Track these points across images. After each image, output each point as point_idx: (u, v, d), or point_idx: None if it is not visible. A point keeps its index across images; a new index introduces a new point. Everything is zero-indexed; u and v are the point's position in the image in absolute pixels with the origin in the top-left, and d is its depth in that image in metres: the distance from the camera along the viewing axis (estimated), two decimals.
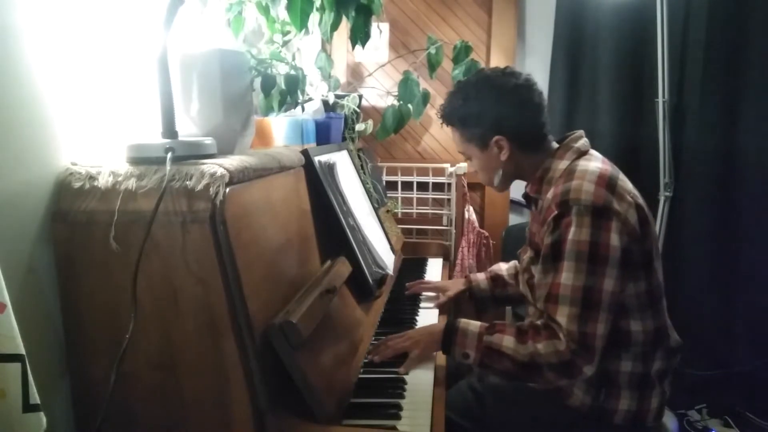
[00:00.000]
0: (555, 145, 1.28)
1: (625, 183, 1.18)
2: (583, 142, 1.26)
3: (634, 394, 1.16)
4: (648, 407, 1.17)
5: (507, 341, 1.12)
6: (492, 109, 1.24)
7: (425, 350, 1.19)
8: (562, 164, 1.22)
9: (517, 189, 2.77)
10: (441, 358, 1.21)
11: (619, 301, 1.12)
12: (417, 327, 1.41)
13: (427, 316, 1.50)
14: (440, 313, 1.52)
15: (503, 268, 1.62)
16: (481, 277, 1.62)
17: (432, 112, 2.62)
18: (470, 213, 2.57)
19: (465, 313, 2.53)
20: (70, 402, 0.92)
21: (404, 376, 1.13)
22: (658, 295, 1.19)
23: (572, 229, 1.09)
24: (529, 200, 1.33)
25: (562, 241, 1.10)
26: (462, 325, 1.18)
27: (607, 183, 1.13)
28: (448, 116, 1.32)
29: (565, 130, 1.33)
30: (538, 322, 1.14)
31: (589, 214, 1.09)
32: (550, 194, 1.18)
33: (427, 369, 1.17)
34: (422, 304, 1.59)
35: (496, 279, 1.60)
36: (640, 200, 1.18)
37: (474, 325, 1.18)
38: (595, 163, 1.19)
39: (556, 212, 1.12)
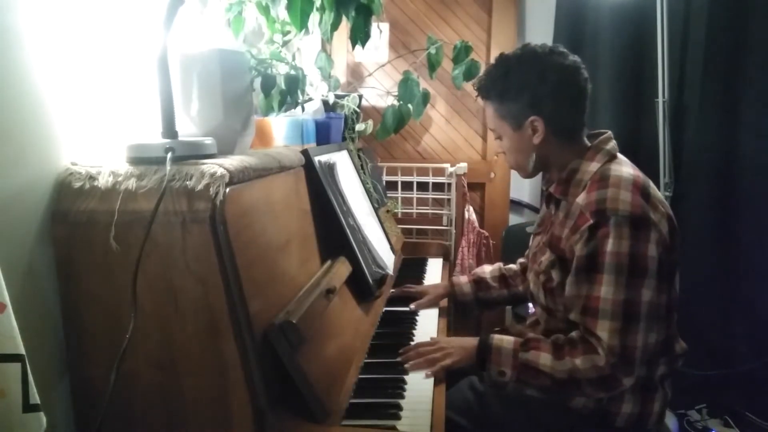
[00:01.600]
0: (587, 143, 1.24)
1: (656, 191, 1.16)
2: (613, 144, 1.23)
3: (637, 398, 1.16)
4: (650, 410, 1.17)
5: (544, 358, 1.12)
6: (533, 85, 1.18)
7: (458, 363, 1.17)
8: (592, 167, 1.18)
9: (518, 189, 2.78)
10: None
11: (655, 310, 1.10)
12: (421, 323, 1.42)
13: (427, 317, 1.50)
14: (440, 315, 1.51)
15: (486, 271, 1.61)
16: (463, 280, 1.61)
17: (432, 112, 2.65)
18: (470, 213, 2.57)
19: (466, 319, 2.53)
20: (70, 402, 0.92)
21: (404, 376, 1.13)
22: (673, 308, 1.18)
23: (610, 241, 1.06)
24: (549, 200, 1.30)
25: (600, 253, 1.08)
26: (495, 342, 1.17)
27: (642, 191, 1.10)
28: (485, 89, 1.25)
29: None
30: (574, 335, 1.13)
31: (628, 225, 1.06)
32: (581, 200, 1.14)
33: (426, 370, 1.17)
34: (421, 301, 1.58)
35: (479, 282, 1.59)
36: (669, 210, 1.16)
37: (507, 341, 1.17)
38: (627, 168, 1.16)
39: (591, 222, 1.09)
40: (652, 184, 1.16)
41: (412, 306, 1.52)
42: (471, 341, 1.20)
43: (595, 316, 1.08)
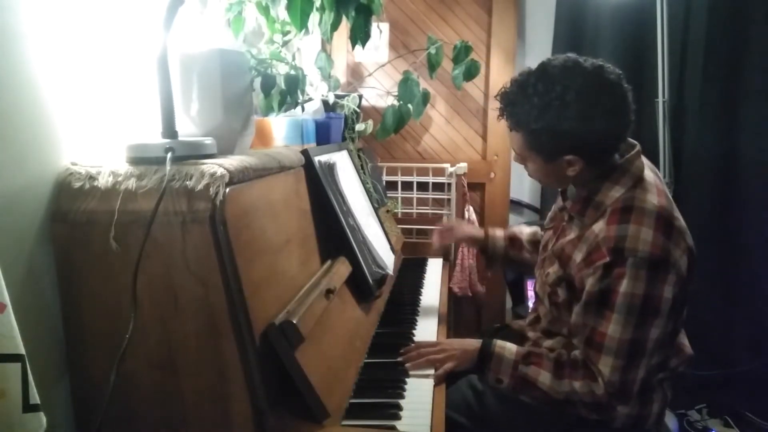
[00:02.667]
0: (616, 158, 1.16)
1: (680, 221, 1.10)
2: (640, 163, 1.15)
3: (636, 399, 1.16)
4: (649, 412, 1.17)
5: (543, 377, 1.12)
6: (575, 128, 1.06)
7: (459, 366, 1.18)
8: (615, 191, 1.11)
9: (518, 189, 2.77)
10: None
11: (659, 345, 1.08)
12: (421, 324, 1.42)
13: (427, 316, 1.50)
14: (439, 322, 1.49)
15: (524, 231, 1.56)
16: (498, 234, 1.57)
17: (432, 112, 2.65)
18: (470, 213, 2.57)
19: (466, 318, 2.53)
20: (70, 402, 0.92)
21: (404, 377, 1.13)
22: (681, 327, 1.17)
23: (625, 282, 1.03)
24: (563, 208, 1.27)
25: (613, 291, 1.05)
26: (497, 350, 1.17)
27: (665, 227, 1.05)
28: (516, 122, 1.12)
29: None
30: (577, 354, 1.13)
31: (646, 267, 1.02)
32: (599, 230, 1.08)
33: (426, 369, 1.17)
34: (421, 305, 1.58)
35: (513, 240, 1.55)
36: (690, 240, 1.10)
37: (509, 351, 1.17)
38: (651, 197, 1.09)
39: (608, 259, 1.04)
40: (676, 212, 1.10)
41: (435, 241, 1.55)
42: (473, 344, 1.20)
43: (600, 350, 1.07)
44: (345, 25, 1.30)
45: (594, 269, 1.07)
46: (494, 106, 1.20)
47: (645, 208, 1.06)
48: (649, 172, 1.17)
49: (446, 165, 2.59)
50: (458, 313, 2.52)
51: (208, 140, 0.98)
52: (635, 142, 1.20)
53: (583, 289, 1.11)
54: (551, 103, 1.06)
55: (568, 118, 1.05)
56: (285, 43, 1.51)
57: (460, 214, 2.60)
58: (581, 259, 1.12)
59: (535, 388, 1.12)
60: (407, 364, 1.17)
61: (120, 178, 0.87)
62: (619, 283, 1.04)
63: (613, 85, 1.09)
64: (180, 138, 0.95)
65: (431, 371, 1.16)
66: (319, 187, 1.35)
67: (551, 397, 1.12)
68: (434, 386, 1.11)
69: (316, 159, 1.37)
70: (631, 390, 1.07)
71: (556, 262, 1.21)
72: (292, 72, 1.33)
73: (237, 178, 0.89)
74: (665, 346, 1.12)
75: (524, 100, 1.09)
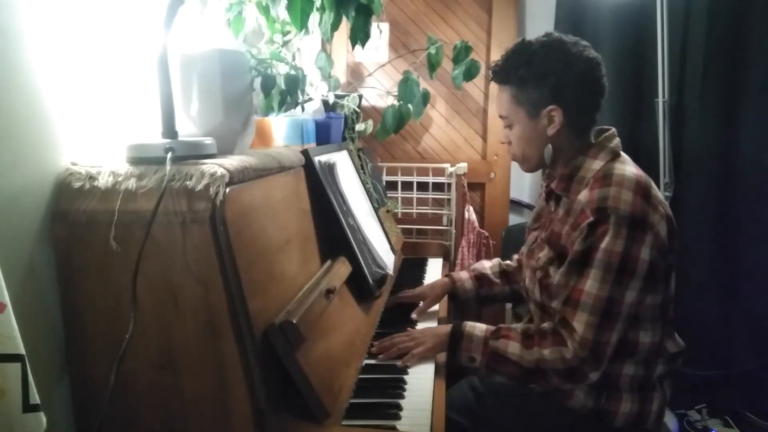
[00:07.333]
0: (592, 139, 1.23)
1: (657, 192, 1.16)
2: (617, 142, 1.22)
3: (635, 397, 1.16)
4: (649, 410, 1.17)
5: (513, 347, 1.13)
6: (558, 74, 1.16)
7: (430, 351, 1.19)
8: (595, 164, 1.18)
9: (518, 189, 2.77)
10: (441, 357, 1.21)
11: (635, 311, 1.12)
12: (420, 327, 1.42)
13: (427, 316, 1.49)
14: (439, 323, 1.47)
15: (486, 266, 1.58)
16: (465, 276, 1.57)
17: (432, 112, 2.65)
18: (470, 213, 2.57)
19: (466, 319, 2.53)
20: (70, 402, 0.92)
21: (404, 376, 1.13)
22: (669, 306, 1.19)
23: (607, 239, 1.07)
24: (549, 196, 1.30)
25: (594, 248, 1.08)
26: (468, 329, 1.18)
27: (644, 192, 1.11)
28: (505, 73, 1.22)
29: None
30: (545, 326, 1.14)
31: (627, 225, 1.07)
32: (583, 197, 1.14)
33: (427, 369, 1.17)
34: (421, 305, 1.58)
35: (480, 278, 1.56)
36: (669, 211, 1.16)
37: (480, 329, 1.18)
38: (630, 168, 1.16)
39: (591, 219, 1.09)
40: (654, 185, 1.17)
41: (414, 315, 1.48)
42: (444, 328, 1.22)
43: (576, 307, 1.09)
44: (345, 25, 1.30)
45: (580, 231, 1.11)
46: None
47: (624, 175, 1.12)
48: (628, 157, 1.23)
49: (446, 165, 2.59)
50: (458, 314, 2.52)
51: (208, 140, 0.98)
52: (610, 127, 1.26)
53: None
54: (538, 53, 1.18)
55: (551, 60, 1.17)
56: (285, 43, 1.51)
57: (460, 214, 2.60)
58: (569, 226, 1.16)
59: (507, 360, 1.13)
60: (380, 356, 1.19)
61: (120, 178, 0.87)
62: (602, 240, 1.08)
63: (591, 47, 1.21)
64: (180, 138, 0.95)
65: (431, 369, 1.16)
66: (319, 187, 1.35)
67: (523, 368, 1.12)
68: (433, 384, 1.11)
69: (316, 159, 1.37)
70: (603, 353, 1.08)
71: (545, 246, 1.24)
72: (292, 72, 1.32)
73: (237, 178, 0.89)
74: (657, 319, 1.15)
75: (514, 57, 1.21)
